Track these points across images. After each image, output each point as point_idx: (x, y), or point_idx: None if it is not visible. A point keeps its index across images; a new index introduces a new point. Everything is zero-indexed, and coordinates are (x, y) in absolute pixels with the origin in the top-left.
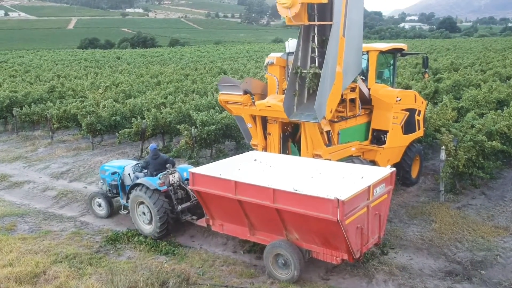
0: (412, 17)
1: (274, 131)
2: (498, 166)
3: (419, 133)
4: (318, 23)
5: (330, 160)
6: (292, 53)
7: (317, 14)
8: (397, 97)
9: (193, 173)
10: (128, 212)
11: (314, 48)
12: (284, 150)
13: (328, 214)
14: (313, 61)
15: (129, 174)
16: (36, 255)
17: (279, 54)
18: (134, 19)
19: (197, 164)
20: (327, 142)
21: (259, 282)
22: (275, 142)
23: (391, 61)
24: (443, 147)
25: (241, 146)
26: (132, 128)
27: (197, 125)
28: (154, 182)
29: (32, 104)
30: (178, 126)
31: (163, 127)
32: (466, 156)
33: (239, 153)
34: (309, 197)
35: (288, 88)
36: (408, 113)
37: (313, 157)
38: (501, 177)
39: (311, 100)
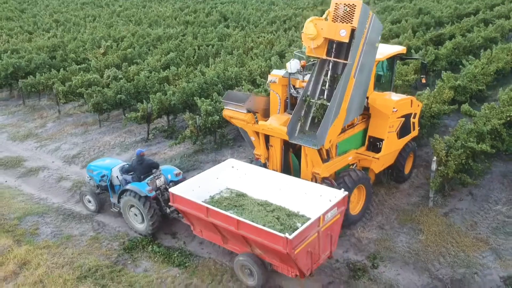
0: None
1: (276, 144)
2: (487, 168)
3: (414, 133)
4: (334, 59)
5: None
6: (294, 73)
7: (334, 51)
8: (393, 108)
9: (172, 194)
10: (119, 210)
11: (325, 81)
12: (285, 160)
13: (279, 246)
14: (322, 93)
15: (117, 176)
16: (62, 269)
17: (281, 73)
18: None
19: (202, 151)
20: (326, 158)
21: None
22: (276, 153)
23: (390, 66)
24: (434, 158)
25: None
26: (138, 109)
27: (202, 114)
28: (143, 188)
29: (37, 73)
30: (184, 116)
31: (167, 108)
32: (456, 162)
33: (241, 136)
34: (265, 231)
35: (295, 113)
36: (404, 119)
37: (312, 174)
38: (488, 173)
39: (312, 128)
